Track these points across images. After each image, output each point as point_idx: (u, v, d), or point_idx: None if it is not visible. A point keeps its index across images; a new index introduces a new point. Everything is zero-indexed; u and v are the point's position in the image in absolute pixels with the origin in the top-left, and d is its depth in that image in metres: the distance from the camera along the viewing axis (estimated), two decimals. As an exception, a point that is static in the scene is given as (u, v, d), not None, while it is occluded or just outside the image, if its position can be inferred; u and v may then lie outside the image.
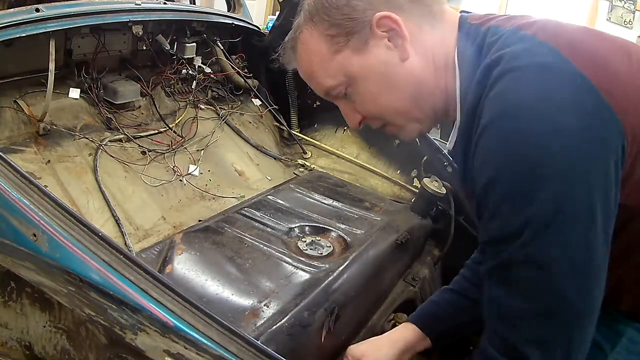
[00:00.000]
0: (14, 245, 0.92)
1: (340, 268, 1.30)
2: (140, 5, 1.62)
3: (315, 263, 1.32)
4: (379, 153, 2.05)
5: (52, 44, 1.37)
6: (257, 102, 2.18)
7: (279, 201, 1.64)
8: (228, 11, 2.21)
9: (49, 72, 1.39)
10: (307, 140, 2.16)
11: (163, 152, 1.70)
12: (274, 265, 1.29)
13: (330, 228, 1.52)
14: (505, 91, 0.71)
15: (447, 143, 0.92)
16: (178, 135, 1.79)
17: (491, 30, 0.81)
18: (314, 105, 2.22)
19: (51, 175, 1.40)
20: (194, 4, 2.63)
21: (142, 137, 1.69)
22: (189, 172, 1.72)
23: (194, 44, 1.94)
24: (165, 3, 1.80)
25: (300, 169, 2.05)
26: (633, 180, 0.72)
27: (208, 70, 2.00)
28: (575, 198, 0.68)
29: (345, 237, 1.48)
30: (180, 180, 1.67)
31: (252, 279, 1.22)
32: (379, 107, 0.88)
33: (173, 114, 1.87)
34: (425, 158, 1.86)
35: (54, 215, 0.89)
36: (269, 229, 1.46)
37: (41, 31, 1.33)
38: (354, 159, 2.05)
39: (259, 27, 2.29)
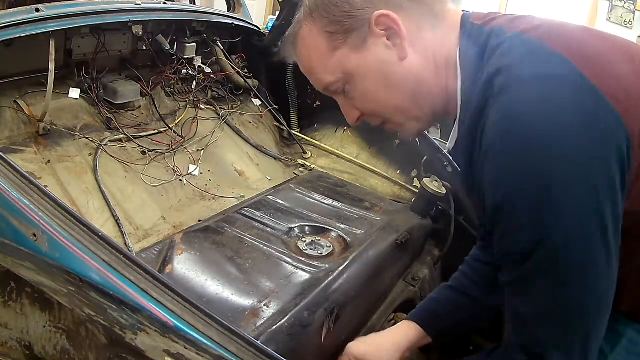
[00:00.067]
0: (14, 245, 0.92)
1: (340, 268, 1.30)
2: (140, 5, 1.62)
3: (315, 263, 1.32)
4: (379, 153, 2.05)
5: (52, 44, 1.37)
6: (257, 102, 2.18)
7: (279, 201, 1.64)
8: (228, 11, 2.21)
9: (49, 72, 1.39)
10: (307, 140, 2.16)
11: (163, 152, 1.70)
12: (274, 265, 1.29)
13: (330, 228, 1.52)
14: (509, 107, 0.70)
15: (448, 142, 0.92)
16: (178, 135, 1.79)
17: (494, 32, 0.80)
18: (314, 105, 2.23)
19: (51, 175, 1.40)
20: (194, 4, 2.63)
21: (142, 137, 1.69)
22: (189, 172, 1.72)
23: (194, 44, 1.94)
24: (165, 3, 1.80)
25: (300, 169, 2.05)
26: (639, 185, 0.73)
27: (208, 70, 2.00)
28: (586, 214, 0.69)
29: (345, 237, 1.48)
30: (180, 180, 1.67)
31: (252, 279, 1.22)
32: (377, 105, 0.88)
33: (173, 114, 1.87)
34: (425, 158, 1.86)
35: (54, 215, 0.89)
36: (269, 229, 1.46)
37: (41, 31, 1.33)
38: (354, 159, 2.05)
39: (259, 27, 2.29)
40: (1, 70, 1.41)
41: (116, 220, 1.40)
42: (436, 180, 1.72)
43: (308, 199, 1.70)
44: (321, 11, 0.83)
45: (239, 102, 2.14)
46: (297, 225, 1.51)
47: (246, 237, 1.39)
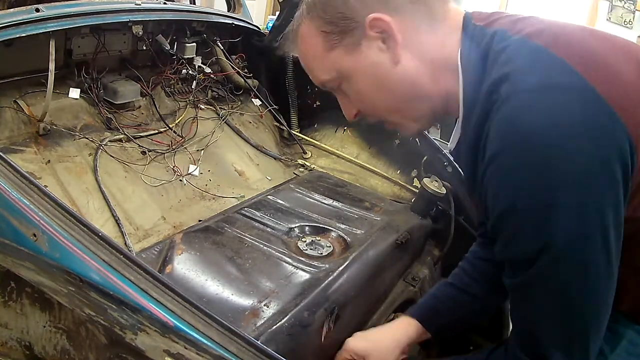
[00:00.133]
0: (14, 245, 0.92)
1: (340, 268, 1.30)
2: (140, 5, 1.62)
3: (315, 263, 1.32)
4: (379, 153, 2.05)
5: (52, 44, 1.37)
6: (257, 102, 2.18)
7: (279, 201, 1.64)
8: (228, 11, 2.21)
9: (49, 72, 1.39)
10: (307, 140, 2.16)
11: (163, 152, 1.70)
12: (274, 265, 1.29)
13: (330, 228, 1.52)
14: (513, 116, 0.70)
15: (449, 142, 0.92)
16: (178, 135, 1.79)
17: (498, 34, 0.79)
18: (314, 105, 2.23)
19: (51, 175, 1.40)
20: (194, 4, 2.63)
21: (142, 137, 1.69)
22: (189, 172, 1.72)
23: (194, 44, 1.94)
24: (165, 3, 1.80)
25: (300, 169, 2.05)
26: None
27: (208, 70, 2.00)
28: (589, 222, 0.69)
29: (345, 237, 1.48)
30: (180, 180, 1.67)
31: (252, 279, 1.22)
32: (371, 105, 0.89)
33: (173, 114, 1.87)
34: (425, 158, 1.86)
35: (54, 215, 0.89)
36: (269, 229, 1.46)
37: (41, 31, 1.33)
38: (354, 159, 2.05)
39: (259, 27, 2.29)
40: (1, 70, 1.41)
41: (116, 220, 1.40)
42: (436, 180, 1.72)
43: (308, 199, 1.70)
44: (318, 10, 0.83)
45: (239, 102, 2.14)
46: (297, 225, 1.51)
47: (246, 237, 1.39)
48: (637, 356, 0.86)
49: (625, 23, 5.21)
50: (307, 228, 1.51)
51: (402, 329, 1.16)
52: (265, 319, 1.09)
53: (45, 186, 0.97)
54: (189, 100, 1.93)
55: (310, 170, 2.03)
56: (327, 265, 1.31)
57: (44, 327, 1.06)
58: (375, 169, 2.00)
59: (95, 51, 1.61)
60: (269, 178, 1.93)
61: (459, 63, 0.82)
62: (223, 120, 1.99)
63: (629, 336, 0.86)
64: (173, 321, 0.81)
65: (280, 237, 1.44)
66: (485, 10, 0.88)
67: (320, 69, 0.87)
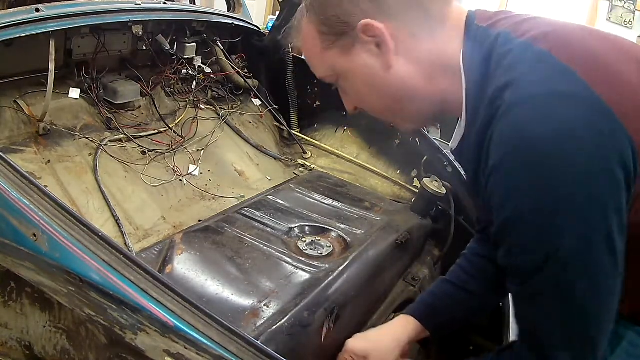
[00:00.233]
0: (14, 245, 0.92)
1: (340, 268, 1.30)
2: (140, 5, 1.62)
3: (315, 263, 1.32)
4: (379, 153, 2.05)
5: (52, 44, 1.37)
6: (257, 102, 2.18)
7: (279, 201, 1.64)
8: (228, 11, 2.21)
9: (49, 72, 1.39)
10: (307, 140, 2.16)
11: (163, 152, 1.70)
12: (274, 265, 1.29)
13: (330, 228, 1.52)
14: (517, 125, 0.70)
15: (450, 142, 0.92)
16: (178, 135, 1.79)
17: (501, 37, 0.78)
18: (314, 105, 2.23)
19: (51, 175, 1.40)
20: (194, 4, 2.63)
21: (142, 137, 1.69)
22: (189, 172, 1.72)
23: (194, 44, 1.94)
24: (165, 3, 1.80)
25: (300, 169, 2.05)
26: None
27: (208, 70, 2.00)
28: (594, 228, 0.69)
29: (345, 237, 1.48)
30: (180, 180, 1.67)
31: (252, 279, 1.22)
32: (366, 105, 0.90)
33: (173, 114, 1.87)
34: (425, 158, 1.86)
35: (54, 215, 0.89)
36: (269, 229, 1.46)
37: (41, 31, 1.33)
38: (354, 159, 2.05)
39: (259, 27, 2.29)
40: (1, 70, 1.41)
41: (116, 220, 1.40)
42: (436, 180, 1.72)
43: (308, 199, 1.70)
44: (316, 10, 0.84)
45: (239, 102, 2.14)
46: (297, 225, 1.51)
47: (246, 237, 1.39)
48: (637, 357, 0.86)
49: (625, 23, 5.21)
50: (307, 228, 1.51)
51: (401, 328, 1.16)
52: (265, 319, 1.09)
53: (45, 186, 0.97)
54: (189, 100, 1.93)
55: (310, 170, 2.03)
56: (327, 265, 1.31)
57: (44, 327, 1.06)
58: (375, 169, 2.00)
59: (95, 51, 1.61)
60: (269, 178, 1.93)
61: (462, 65, 0.81)
62: (223, 120, 1.99)
63: (629, 337, 0.86)
64: (173, 321, 0.81)
65: (280, 237, 1.44)
66: (489, 10, 0.87)
67: (318, 66, 0.89)
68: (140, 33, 1.65)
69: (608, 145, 0.68)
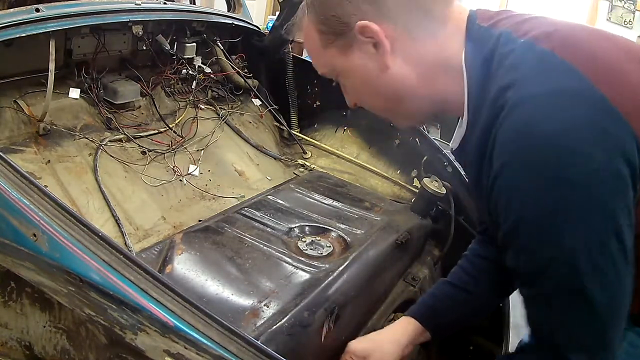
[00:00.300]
0: (14, 245, 0.92)
1: (340, 268, 1.30)
2: (140, 5, 1.62)
3: (315, 263, 1.32)
4: (379, 153, 2.05)
5: (52, 44, 1.37)
6: (257, 102, 2.18)
7: (279, 201, 1.64)
8: (228, 11, 2.21)
9: (49, 72, 1.39)
10: (307, 140, 2.17)
11: (163, 152, 1.70)
12: (274, 265, 1.29)
13: (330, 228, 1.52)
14: (522, 125, 0.69)
15: (451, 142, 0.92)
16: (178, 135, 1.79)
17: (503, 37, 0.78)
18: (314, 105, 2.23)
19: (51, 175, 1.40)
20: (194, 4, 2.63)
21: (142, 137, 1.69)
22: (189, 172, 1.72)
23: (194, 44, 1.94)
24: (165, 3, 1.80)
25: (300, 169, 2.05)
26: None
27: (208, 70, 2.00)
28: (603, 227, 0.69)
29: (345, 237, 1.48)
30: (180, 180, 1.67)
31: (252, 279, 1.22)
32: (364, 102, 0.91)
33: (173, 114, 1.87)
34: (425, 158, 1.86)
35: (54, 215, 0.89)
36: (269, 229, 1.46)
37: (41, 31, 1.33)
38: (354, 159, 2.05)
39: (259, 27, 2.29)
40: (1, 70, 1.41)
41: (116, 220, 1.40)
42: (436, 180, 1.72)
43: (308, 199, 1.70)
44: (317, 8, 0.84)
45: (239, 102, 2.14)
46: (297, 225, 1.51)
47: (246, 237, 1.39)
48: (637, 357, 0.86)
49: (625, 23, 5.21)
50: (307, 228, 1.51)
51: (401, 329, 1.15)
52: (265, 319, 1.09)
53: (45, 186, 0.96)
54: (189, 100, 1.93)
55: (310, 170, 2.03)
56: (327, 265, 1.31)
57: (44, 327, 1.06)
58: (375, 169, 2.00)
59: (95, 51, 1.61)
60: (269, 178, 1.93)
61: (464, 66, 0.81)
62: (223, 120, 1.99)
63: (629, 338, 0.86)
64: (173, 321, 0.81)
65: (280, 237, 1.44)
66: (490, 9, 0.87)
67: (319, 63, 0.90)
68: (140, 33, 1.65)
69: (613, 143, 0.67)
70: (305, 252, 1.39)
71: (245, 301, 1.15)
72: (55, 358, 1.06)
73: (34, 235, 0.89)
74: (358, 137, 2.11)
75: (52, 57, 1.38)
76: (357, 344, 1.14)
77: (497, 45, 0.77)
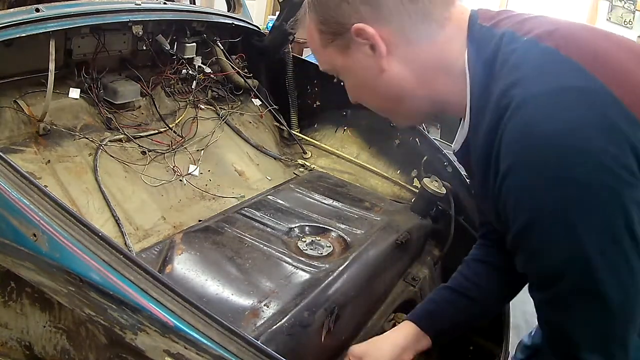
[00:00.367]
0: (14, 245, 0.92)
1: (340, 268, 1.30)
2: (140, 5, 1.62)
3: (315, 263, 1.32)
4: (379, 153, 2.05)
5: (52, 44, 1.37)
6: (257, 102, 2.18)
7: (279, 201, 1.64)
8: (228, 11, 2.21)
9: (49, 72, 1.39)
10: (307, 140, 2.17)
11: (163, 152, 1.70)
12: (274, 265, 1.29)
13: (330, 228, 1.52)
14: (528, 123, 0.69)
15: (453, 144, 0.92)
16: (178, 135, 1.79)
17: (506, 36, 0.77)
18: (314, 105, 2.23)
19: (51, 175, 1.40)
20: (194, 4, 2.63)
21: (142, 137, 1.69)
22: (189, 172, 1.72)
23: (194, 44, 1.94)
24: (165, 3, 1.80)
25: (300, 169, 2.05)
26: None
27: (208, 70, 2.00)
28: (616, 225, 0.68)
29: (345, 237, 1.48)
30: (180, 180, 1.67)
31: (252, 279, 1.22)
32: (363, 101, 0.92)
33: (173, 114, 1.87)
34: (425, 158, 1.86)
35: (54, 215, 0.89)
36: (269, 229, 1.46)
37: (41, 31, 1.33)
38: (354, 159, 2.05)
39: (259, 27, 2.29)
40: (1, 70, 1.41)
41: (116, 220, 1.40)
42: (436, 180, 1.72)
43: (308, 199, 1.70)
44: (317, 8, 0.84)
45: (239, 102, 2.14)
46: (297, 225, 1.51)
47: (246, 237, 1.39)
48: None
49: (625, 23, 5.21)
50: (307, 228, 1.51)
51: (400, 332, 1.15)
52: (265, 319, 1.09)
53: (45, 186, 0.96)
54: (189, 100, 1.93)
55: (310, 170, 2.03)
56: (327, 265, 1.31)
57: (44, 327, 1.06)
58: (375, 169, 2.00)
59: (95, 51, 1.61)
60: (269, 178, 1.93)
61: (466, 66, 0.80)
62: (223, 120, 1.99)
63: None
64: (173, 321, 0.81)
65: (280, 237, 1.44)
66: (491, 9, 0.86)
67: (320, 60, 0.91)
68: (140, 33, 1.65)
69: (622, 138, 0.67)
70: (305, 252, 1.39)
71: (245, 301, 1.15)
72: (55, 358, 1.06)
73: (34, 235, 0.89)
74: (358, 137, 2.11)
75: (52, 57, 1.38)
76: (356, 346, 1.14)
77: (500, 45, 0.77)
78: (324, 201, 1.69)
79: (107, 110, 1.64)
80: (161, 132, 1.75)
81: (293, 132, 2.18)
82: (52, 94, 1.41)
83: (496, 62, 0.76)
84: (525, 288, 0.87)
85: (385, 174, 1.98)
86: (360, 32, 0.80)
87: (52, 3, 1.41)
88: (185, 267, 1.24)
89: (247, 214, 1.52)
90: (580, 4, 5.37)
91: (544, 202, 0.69)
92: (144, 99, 1.79)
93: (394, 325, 1.34)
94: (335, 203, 1.69)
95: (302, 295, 1.18)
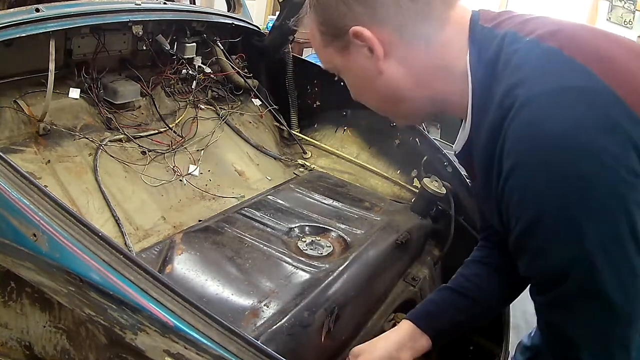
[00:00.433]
0: (14, 245, 0.92)
1: (340, 268, 1.30)
2: (140, 5, 1.62)
3: (315, 263, 1.32)
4: (379, 153, 2.05)
5: (52, 44, 1.37)
6: (257, 102, 2.19)
7: (279, 201, 1.64)
8: (228, 11, 2.21)
9: (49, 72, 1.39)
10: (307, 140, 2.17)
11: (163, 152, 1.70)
12: (274, 265, 1.29)
13: (330, 228, 1.52)
14: (532, 124, 0.68)
15: (454, 144, 0.92)
16: (178, 135, 1.79)
17: (508, 37, 0.77)
18: (314, 105, 2.23)
19: (51, 175, 1.40)
20: (194, 4, 2.63)
21: (142, 137, 1.70)
22: (189, 172, 1.72)
23: (194, 44, 1.94)
24: (165, 3, 1.80)
25: (300, 169, 2.05)
26: None
27: (208, 70, 2.00)
28: (619, 224, 0.68)
29: (345, 237, 1.48)
30: (180, 180, 1.67)
31: (252, 279, 1.22)
32: (363, 100, 0.92)
33: (173, 114, 1.87)
34: (425, 158, 1.86)
35: (54, 215, 0.89)
36: (269, 229, 1.46)
37: (41, 31, 1.33)
38: (354, 159, 2.05)
39: (259, 27, 2.29)
40: (1, 70, 1.41)
41: (116, 220, 1.40)
42: (436, 180, 1.72)
43: (308, 199, 1.70)
44: (317, 9, 0.85)
45: (239, 102, 2.14)
46: (297, 225, 1.51)
47: (246, 237, 1.39)
48: None
49: (625, 23, 5.21)
50: (307, 228, 1.51)
51: (397, 332, 1.14)
52: (265, 319, 1.09)
53: (45, 186, 0.96)
54: (189, 100, 1.93)
55: (310, 170, 2.03)
56: (327, 265, 1.31)
57: (44, 327, 1.06)
58: (375, 169, 2.00)
59: (95, 51, 1.61)
60: (269, 178, 1.93)
61: (468, 67, 0.80)
62: (223, 120, 1.99)
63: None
64: (173, 321, 0.81)
65: (280, 237, 1.44)
66: (492, 10, 0.86)
67: (321, 58, 0.91)
68: (140, 33, 1.65)
69: (625, 137, 0.67)
70: (305, 252, 1.39)
71: (245, 301, 1.15)
72: (55, 358, 1.06)
73: (34, 235, 0.89)
74: (358, 137, 2.11)
75: (52, 57, 1.38)
76: (356, 347, 1.14)
77: (502, 45, 0.77)
78: (324, 201, 1.69)
79: (107, 110, 1.64)
80: (161, 132, 1.75)
81: (293, 132, 2.18)
82: (52, 94, 1.41)
83: (498, 62, 0.76)
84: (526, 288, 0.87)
85: (385, 174, 1.98)
86: (357, 35, 0.80)
87: (52, 3, 1.41)
88: (185, 267, 1.24)
89: (247, 214, 1.52)
90: (580, 4, 5.37)
91: (547, 200, 0.69)
92: (144, 99, 1.79)
93: (394, 325, 1.34)
94: (335, 203, 1.69)
95: (302, 295, 1.18)
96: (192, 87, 1.95)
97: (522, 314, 2.22)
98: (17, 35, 1.27)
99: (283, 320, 1.09)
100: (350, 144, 2.11)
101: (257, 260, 1.30)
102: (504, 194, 0.74)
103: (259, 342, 0.82)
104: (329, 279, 1.25)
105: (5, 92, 1.43)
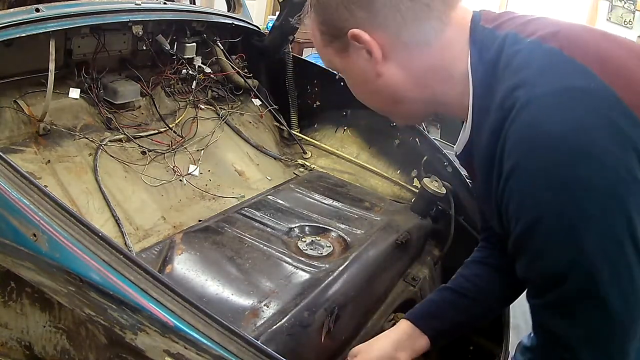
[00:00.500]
0: (14, 245, 0.92)
1: (340, 268, 1.30)
2: (140, 5, 1.62)
3: (315, 263, 1.32)
4: (379, 153, 2.05)
5: (52, 44, 1.37)
6: (257, 102, 2.19)
7: (279, 201, 1.64)
8: (228, 11, 2.21)
9: (49, 72, 1.39)
10: (307, 140, 2.17)
11: (163, 152, 1.70)
12: (274, 265, 1.29)
13: (330, 228, 1.52)
14: (532, 125, 0.68)
15: (455, 146, 0.92)
16: (178, 135, 1.79)
17: (509, 38, 0.77)
18: (314, 105, 2.23)
19: (51, 175, 1.40)
20: (194, 4, 2.63)
21: (142, 137, 1.69)
22: (189, 172, 1.72)
23: (194, 44, 1.94)
24: (165, 3, 1.80)
25: (300, 169, 2.05)
26: None
27: (208, 70, 2.00)
28: (618, 227, 0.68)
29: (345, 237, 1.48)
30: (180, 180, 1.67)
31: (252, 279, 1.22)
32: (363, 100, 0.92)
33: (173, 114, 1.87)
34: (425, 158, 1.86)
35: (54, 215, 0.89)
36: (269, 229, 1.46)
37: (41, 31, 1.33)
38: (354, 159, 2.05)
39: (259, 27, 2.29)
40: (1, 70, 1.41)
41: (116, 220, 1.40)
42: (436, 180, 1.72)
43: (308, 199, 1.70)
44: (317, 9, 0.85)
45: (239, 102, 2.14)
46: (297, 225, 1.51)
47: (246, 237, 1.39)
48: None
49: (625, 23, 5.21)
50: (307, 228, 1.51)
51: (396, 331, 1.14)
52: (265, 319, 1.09)
53: (45, 186, 0.96)
54: (189, 100, 1.93)
55: (310, 170, 2.03)
56: (327, 265, 1.31)
57: (44, 327, 1.06)
58: (375, 169, 2.00)
59: (95, 51, 1.61)
60: (269, 178, 1.93)
61: (469, 68, 0.80)
62: (223, 120, 1.99)
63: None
64: (173, 321, 0.81)
65: (280, 237, 1.44)
66: (493, 11, 0.86)
67: (322, 57, 0.92)
68: (140, 33, 1.65)
69: (626, 140, 0.66)
70: (305, 252, 1.39)
71: (245, 301, 1.15)
72: (55, 358, 1.06)
73: (34, 235, 0.89)
74: (358, 137, 2.11)
75: (52, 57, 1.38)
76: (355, 347, 1.14)
77: (504, 46, 0.77)
78: (324, 201, 1.69)
79: (107, 110, 1.64)
80: (161, 132, 1.75)
81: (293, 132, 2.18)
82: (52, 94, 1.41)
83: (499, 63, 0.76)
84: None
85: (385, 174, 1.98)
86: (356, 38, 0.80)
87: (52, 3, 1.41)
88: (185, 267, 1.24)
89: (247, 214, 1.52)
90: (580, 4, 5.38)
91: (547, 201, 0.69)
92: (144, 99, 1.79)
93: (394, 325, 1.34)
94: (335, 203, 1.69)
95: (302, 295, 1.18)
96: (192, 87, 1.95)
97: (522, 314, 2.20)
98: (17, 35, 1.27)
99: (283, 320, 1.09)
100: (350, 144, 2.11)
101: (257, 260, 1.30)
102: (504, 195, 0.73)
103: (259, 342, 0.82)
104: (329, 279, 1.25)
105: (5, 92, 1.43)
